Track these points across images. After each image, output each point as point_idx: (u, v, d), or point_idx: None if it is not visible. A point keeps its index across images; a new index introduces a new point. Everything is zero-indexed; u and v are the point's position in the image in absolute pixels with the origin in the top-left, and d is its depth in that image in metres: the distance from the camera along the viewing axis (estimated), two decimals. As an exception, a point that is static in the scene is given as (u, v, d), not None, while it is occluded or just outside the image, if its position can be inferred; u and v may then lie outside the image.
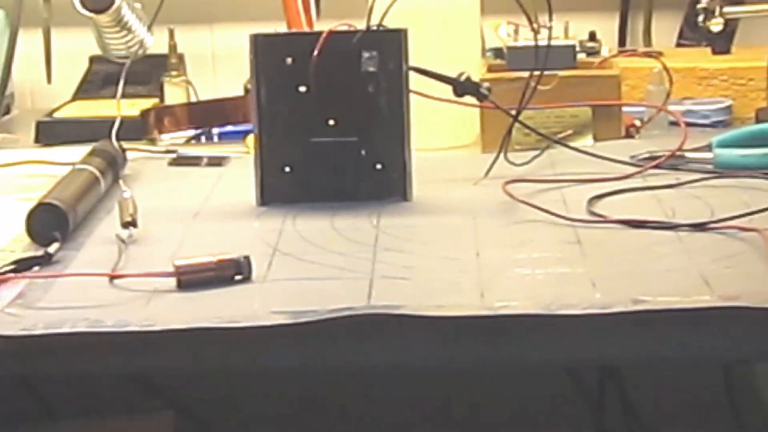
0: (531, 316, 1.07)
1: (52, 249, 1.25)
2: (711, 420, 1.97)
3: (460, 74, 1.49)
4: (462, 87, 1.48)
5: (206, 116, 1.72)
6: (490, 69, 1.71)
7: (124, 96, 1.65)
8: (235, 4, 2.12)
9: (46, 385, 1.88)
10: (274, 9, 1.92)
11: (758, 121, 1.75)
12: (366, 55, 1.41)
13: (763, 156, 1.50)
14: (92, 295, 1.14)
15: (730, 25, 1.85)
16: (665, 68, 1.76)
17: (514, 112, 1.53)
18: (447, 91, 1.49)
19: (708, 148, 1.53)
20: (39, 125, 1.86)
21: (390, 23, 1.43)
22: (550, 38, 1.55)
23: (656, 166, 1.51)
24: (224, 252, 1.18)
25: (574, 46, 1.70)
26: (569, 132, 1.63)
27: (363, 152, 1.43)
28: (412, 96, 1.43)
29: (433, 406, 1.96)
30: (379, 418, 1.98)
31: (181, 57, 1.98)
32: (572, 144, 1.60)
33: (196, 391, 1.88)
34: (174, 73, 1.95)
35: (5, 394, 1.77)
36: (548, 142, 1.59)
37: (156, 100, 1.92)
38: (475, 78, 1.49)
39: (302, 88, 1.42)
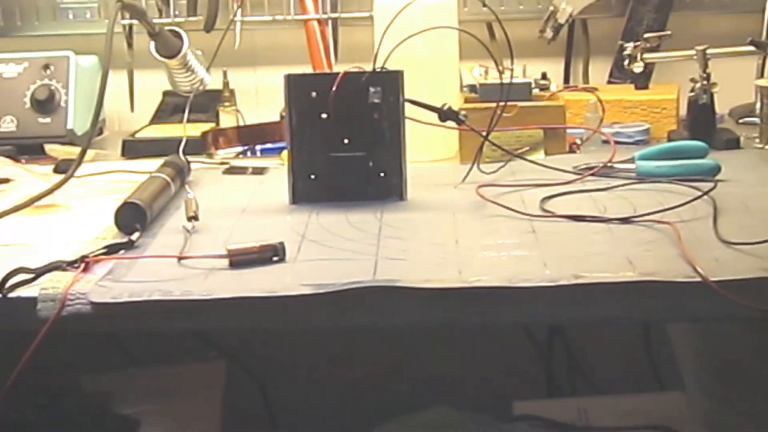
0: (497, 287, 1.07)
1: (134, 237, 1.25)
2: (633, 367, 1.98)
3: (444, 105, 1.48)
4: (445, 114, 1.48)
5: (251, 136, 1.70)
6: (466, 100, 1.71)
7: (188, 121, 1.64)
8: (273, 52, 2.12)
9: (129, 340, 1.88)
10: (303, 55, 1.93)
11: (669, 140, 1.75)
12: (372, 90, 1.40)
13: (673, 167, 1.49)
14: (164, 272, 1.15)
15: (649, 68, 1.85)
16: (599, 100, 1.76)
17: (484, 133, 1.53)
18: (433, 117, 1.49)
19: (632, 160, 1.53)
20: (124, 143, 1.86)
21: (390, 66, 1.42)
22: (511, 77, 1.55)
23: (592, 174, 1.51)
24: (265, 239, 1.18)
25: (530, 83, 1.70)
26: (526, 148, 1.63)
27: (370, 164, 1.42)
28: (407, 121, 1.43)
29: (419, 356, 1.96)
30: (381, 364, 1.98)
31: (232, 92, 1.97)
32: (528, 157, 1.59)
33: (243, 344, 1.89)
34: (227, 104, 1.95)
35: (98, 348, 1.77)
36: (510, 156, 1.58)
37: (213, 124, 1.91)
38: (455, 107, 1.49)
39: (324, 115, 1.41)
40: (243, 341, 1.88)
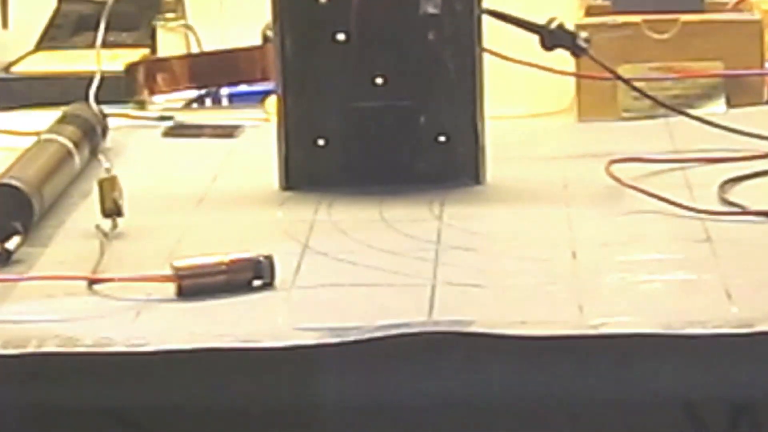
0: (643, 335, 1.07)
1: (11, 245, 1.26)
2: None
3: (550, 20, 1.49)
4: (552, 37, 1.48)
5: (212, 72, 1.72)
6: (588, 12, 1.71)
7: (104, 45, 1.66)
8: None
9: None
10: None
11: None
12: (425, -9, 1.41)
13: None
14: (65, 304, 1.15)
15: None
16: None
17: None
18: (533, 43, 1.48)
19: None
20: (-7, 83, 1.88)
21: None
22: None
23: (807, 142, 1.51)
24: (238, 250, 1.18)
25: (701, -19, 1.70)
26: (694, 95, 1.63)
27: (421, 120, 1.43)
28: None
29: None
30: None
31: (179, -5, 1.99)
32: (697, 112, 1.59)
33: (188, 428, 1.89)
34: (170, 15, 1.95)
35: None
36: (665, 108, 1.58)
37: (146, 51, 1.92)
38: (570, 25, 1.49)
39: (340, 36, 1.42)
40: (189, 425, 1.89)
